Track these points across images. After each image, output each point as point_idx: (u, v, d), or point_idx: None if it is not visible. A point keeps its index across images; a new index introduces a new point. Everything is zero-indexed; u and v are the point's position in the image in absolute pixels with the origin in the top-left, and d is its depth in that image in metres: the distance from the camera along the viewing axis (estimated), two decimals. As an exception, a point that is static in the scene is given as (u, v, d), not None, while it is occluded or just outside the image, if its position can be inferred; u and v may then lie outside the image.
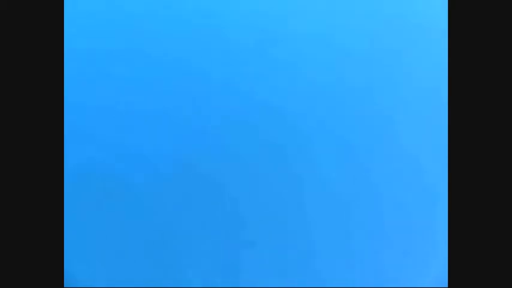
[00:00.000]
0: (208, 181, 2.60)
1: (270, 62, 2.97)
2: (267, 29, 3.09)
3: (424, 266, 2.43)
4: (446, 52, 1.98)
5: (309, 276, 2.41)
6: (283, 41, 3.06)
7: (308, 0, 3.21)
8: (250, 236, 2.48)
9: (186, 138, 2.73)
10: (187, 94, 2.86)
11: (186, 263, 2.42)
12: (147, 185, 2.58)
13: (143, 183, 2.59)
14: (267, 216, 2.53)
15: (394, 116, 2.82)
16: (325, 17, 3.15)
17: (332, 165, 2.67)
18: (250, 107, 2.83)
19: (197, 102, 2.83)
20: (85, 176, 2.59)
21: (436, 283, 2.34)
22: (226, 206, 2.55)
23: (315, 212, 2.55)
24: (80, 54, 2.93)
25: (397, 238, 2.50)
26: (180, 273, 2.40)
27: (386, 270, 2.43)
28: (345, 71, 2.96)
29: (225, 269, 2.42)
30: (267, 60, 2.98)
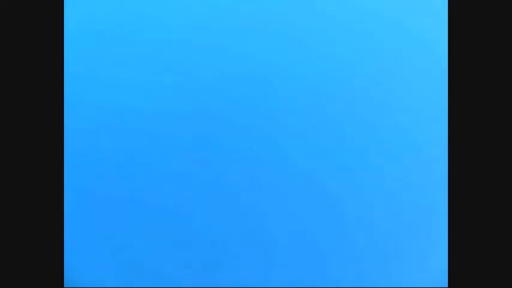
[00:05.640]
0: (208, 181, 2.61)
1: (269, 61, 2.98)
2: (267, 27, 3.09)
3: (424, 266, 2.43)
4: (446, 52, 1.98)
5: (309, 276, 2.41)
6: (282, 41, 3.06)
7: (308, 0, 3.21)
8: (248, 236, 2.49)
9: (186, 137, 2.73)
10: (189, 94, 2.87)
11: (186, 263, 2.42)
12: (148, 185, 2.59)
13: (144, 182, 2.59)
14: (263, 216, 2.54)
15: (394, 117, 2.82)
16: (325, 17, 3.16)
17: (332, 164, 2.67)
18: (250, 104, 2.83)
19: (200, 101, 2.84)
20: (85, 176, 2.59)
21: (436, 283, 2.35)
22: (225, 207, 2.56)
23: (314, 212, 2.55)
24: (80, 54, 2.93)
25: (397, 238, 2.50)
26: (180, 273, 2.40)
27: (386, 270, 2.44)
28: (344, 71, 2.97)
29: (224, 268, 2.42)
30: (267, 58, 2.99)
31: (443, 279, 2.28)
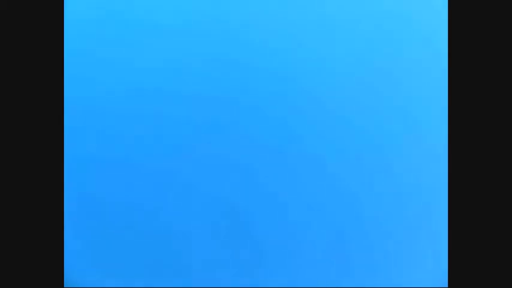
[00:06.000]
0: (208, 181, 2.61)
1: (269, 61, 2.98)
2: (267, 27, 3.09)
3: (424, 266, 2.43)
4: (446, 52, 1.98)
5: (308, 276, 2.41)
6: (282, 40, 3.06)
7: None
8: (248, 236, 2.49)
9: (187, 140, 2.73)
10: (189, 98, 2.87)
11: (185, 263, 2.42)
12: (148, 186, 2.59)
13: (143, 184, 2.59)
14: (267, 215, 2.54)
15: (394, 117, 2.82)
16: (325, 17, 3.16)
17: (331, 164, 2.67)
18: (250, 108, 2.84)
19: (198, 105, 2.84)
20: (85, 177, 2.59)
21: (436, 283, 2.35)
22: (226, 206, 2.56)
23: (313, 212, 2.55)
24: (80, 55, 2.93)
25: (397, 238, 2.50)
26: (180, 273, 2.40)
27: (386, 270, 2.44)
28: (344, 71, 2.97)
29: (224, 268, 2.42)
30: (266, 58, 2.99)
31: (443, 279, 2.28)
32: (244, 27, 3.04)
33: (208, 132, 2.74)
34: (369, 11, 3.17)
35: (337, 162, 2.68)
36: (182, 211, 2.53)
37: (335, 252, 2.47)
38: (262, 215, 2.55)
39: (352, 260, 2.46)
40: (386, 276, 2.42)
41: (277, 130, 2.76)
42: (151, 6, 3.15)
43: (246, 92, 2.88)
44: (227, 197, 2.57)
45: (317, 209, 2.56)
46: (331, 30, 3.09)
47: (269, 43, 3.04)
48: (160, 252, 2.44)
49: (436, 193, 2.57)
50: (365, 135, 2.76)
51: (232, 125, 2.76)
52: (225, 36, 3.01)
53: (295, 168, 2.67)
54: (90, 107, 2.80)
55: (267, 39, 3.06)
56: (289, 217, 2.55)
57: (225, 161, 2.66)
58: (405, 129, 2.78)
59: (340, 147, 2.72)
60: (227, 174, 2.63)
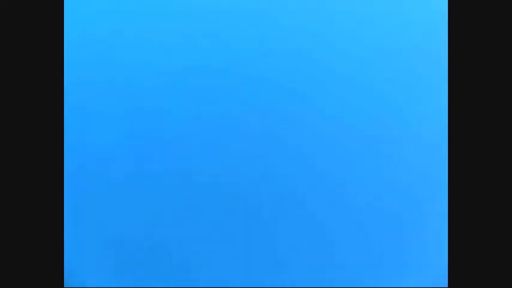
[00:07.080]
0: (208, 181, 2.61)
1: (269, 62, 2.98)
2: (266, 28, 3.09)
3: (424, 266, 2.43)
4: (446, 52, 1.98)
5: (308, 276, 2.41)
6: (282, 40, 3.06)
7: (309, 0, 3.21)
8: (247, 235, 2.49)
9: (187, 139, 2.73)
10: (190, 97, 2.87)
11: (185, 263, 2.42)
12: (148, 185, 2.59)
13: (144, 183, 2.59)
14: (270, 216, 2.54)
15: (394, 116, 2.82)
16: (325, 17, 3.16)
17: (331, 164, 2.67)
18: (250, 108, 2.84)
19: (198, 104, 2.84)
20: (85, 176, 2.59)
21: (436, 283, 2.35)
22: (224, 206, 2.56)
23: (315, 212, 2.55)
24: (80, 56, 2.93)
25: (397, 238, 2.50)
26: (180, 273, 2.40)
27: (386, 270, 2.44)
28: (344, 71, 2.97)
29: (225, 268, 2.42)
30: (266, 60, 2.99)
31: (443, 279, 2.28)
32: (249, 25, 3.04)
33: (212, 131, 2.74)
34: (369, 11, 3.17)
35: (336, 163, 2.68)
36: (184, 210, 2.53)
37: (334, 252, 2.47)
38: (265, 214, 2.55)
39: (352, 260, 2.46)
40: (386, 276, 2.42)
41: (276, 130, 2.76)
42: (152, 6, 3.15)
43: (250, 92, 2.88)
44: (228, 195, 2.57)
45: (316, 209, 2.56)
46: (331, 30, 3.09)
47: (267, 42, 3.04)
48: (162, 252, 2.44)
49: (436, 193, 2.57)
50: (364, 134, 2.76)
51: (237, 123, 2.75)
52: (229, 34, 3.01)
53: (294, 168, 2.67)
54: (91, 106, 2.80)
55: (265, 38, 3.06)
56: (288, 216, 2.55)
57: (229, 160, 2.66)
58: (405, 129, 2.78)
59: (339, 147, 2.72)
60: (231, 173, 2.63)
